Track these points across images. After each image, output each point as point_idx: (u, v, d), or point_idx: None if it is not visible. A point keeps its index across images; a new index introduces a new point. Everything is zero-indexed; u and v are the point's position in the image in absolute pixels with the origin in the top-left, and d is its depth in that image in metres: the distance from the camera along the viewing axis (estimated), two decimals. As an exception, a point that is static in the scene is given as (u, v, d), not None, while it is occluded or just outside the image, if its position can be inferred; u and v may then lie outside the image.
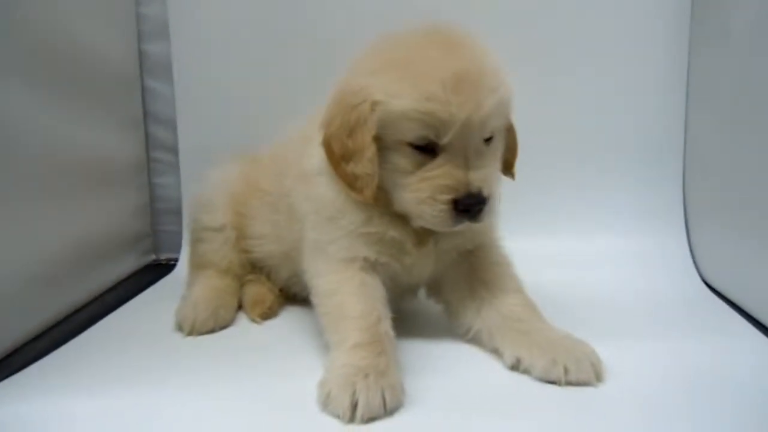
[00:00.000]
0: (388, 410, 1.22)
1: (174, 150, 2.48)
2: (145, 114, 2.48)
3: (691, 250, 2.25)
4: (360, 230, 1.49)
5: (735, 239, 1.94)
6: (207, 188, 1.96)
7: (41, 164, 1.77)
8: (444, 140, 1.36)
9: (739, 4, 1.92)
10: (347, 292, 1.45)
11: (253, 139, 2.08)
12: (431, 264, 1.55)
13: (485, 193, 1.38)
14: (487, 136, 1.41)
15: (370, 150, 1.40)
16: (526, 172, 2.10)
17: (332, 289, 1.47)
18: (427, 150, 1.38)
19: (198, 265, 1.92)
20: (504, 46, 2.13)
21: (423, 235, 1.51)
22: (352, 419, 1.20)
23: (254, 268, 1.93)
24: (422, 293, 1.69)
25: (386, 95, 1.37)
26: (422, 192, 1.38)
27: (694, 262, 2.21)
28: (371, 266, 1.50)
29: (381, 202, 1.46)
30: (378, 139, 1.41)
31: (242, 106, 2.36)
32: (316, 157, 1.53)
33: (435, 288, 1.63)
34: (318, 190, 1.53)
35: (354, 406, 1.20)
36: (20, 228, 1.66)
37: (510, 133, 1.55)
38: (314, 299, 1.52)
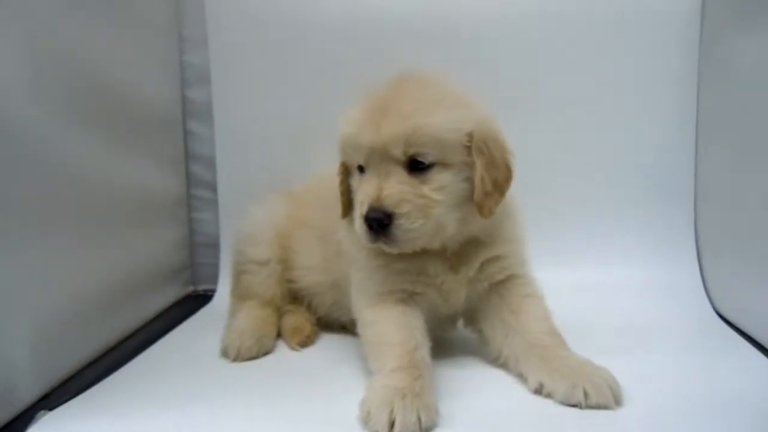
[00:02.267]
0: (423, 429, 1.30)
1: (212, 187, 2.59)
2: (187, 154, 2.60)
3: (703, 281, 2.29)
4: (373, 263, 1.61)
5: (747, 270, 1.98)
6: (252, 223, 2.06)
7: (91, 200, 1.86)
8: (362, 160, 1.52)
9: (746, 40, 1.98)
10: (387, 322, 1.56)
11: (287, 178, 2.22)
12: (464, 291, 1.64)
13: (388, 208, 1.45)
14: (401, 159, 1.48)
15: (339, 175, 1.65)
16: (542, 204, 2.23)
17: (373, 320, 1.59)
18: (363, 172, 1.54)
19: (241, 296, 2.01)
20: (520, 81, 2.32)
21: (453, 263, 1.61)
22: (389, 436, 1.28)
23: (294, 299, 2.02)
24: (460, 323, 1.78)
25: (341, 125, 1.57)
26: (355, 209, 1.55)
27: (707, 292, 2.25)
28: (409, 297, 1.61)
29: None
30: (346, 167, 1.64)
31: (277, 148, 2.47)
32: None
33: (471, 318, 1.73)
34: (350, 227, 1.65)
35: (392, 424, 1.29)
36: (72, 260, 1.75)
37: (472, 168, 1.51)
38: (359, 330, 1.63)
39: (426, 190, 1.48)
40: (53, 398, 1.59)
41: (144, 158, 2.24)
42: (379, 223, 1.45)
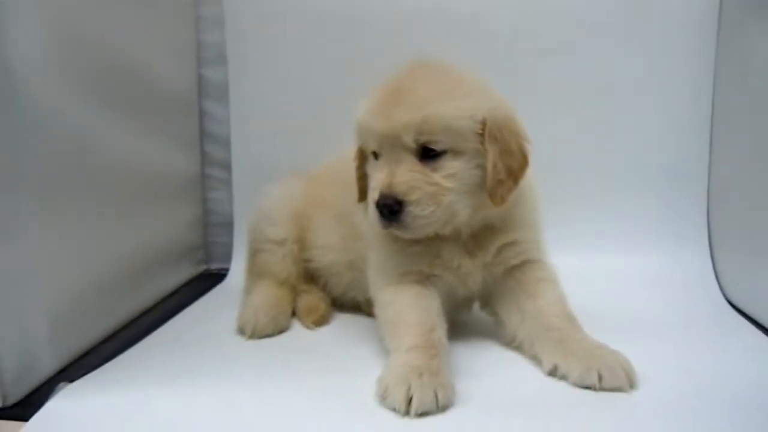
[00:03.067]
0: (440, 407, 1.32)
1: (227, 167, 2.60)
2: (202, 133, 2.61)
3: (714, 270, 2.30)
4: (407, 249, 1.62)
5: (758, 259, 1.99)
6: (269, 202, 2.07)
7: (108, 178, 1.89)
8: (375, 147, 1.54)
9: (763, 34, 1.98)
10: (404, 302, 1.57)
11: (302, 159, 2.22)
12: (481, 275, 1.65)
13: (399, 195, 1.46)
14: (412, 146, 1.49)
15: (356, 160, 1.67)
16: (557, 194, 2.21)
17: (391, 300, 1.60)
18: (377, 158, 1.56)
19: (257, 274, 2.02)
20: (537, 73, 2.32)
21: (470, 248, 1.63)
22: (407, 413, 1.30)
23: (309, 278, 2.04)
24: (476, 306, 1.80)
25: (357, 111, 1.58)
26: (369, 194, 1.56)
27: (718, 281, 2.26)
28: (426, 279, 1.63)
29: None
30: (362, 151, 1.65)
31: (293, 128, 2.48)
32: None
33: (487, 300, 1.74)
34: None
35: (409, 401, 1.30)
36: (86, 238, 1.78)
37: (485, 156, 1.51)
38: (375, 310, 1.65)
39: (437, 177, 1.49)
40: (72, 371, 1.62)
41: (159, 137, 2.25)
42: (390, 209, 1.47)
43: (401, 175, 1.48)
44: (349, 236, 1.85)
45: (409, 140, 1.48)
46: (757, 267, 1.99)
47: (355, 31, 2.42)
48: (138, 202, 2.09)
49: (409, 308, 1.55)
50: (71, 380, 1.51)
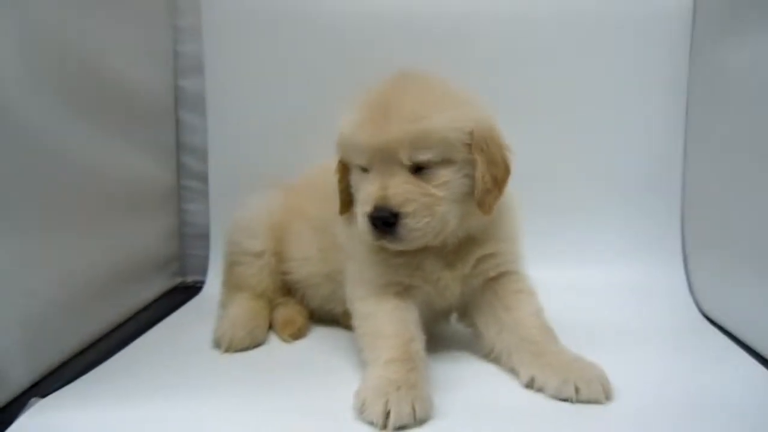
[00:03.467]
0: (417, 420, 1.31)
1: (204, 178, 2.58)
2: (178, 144, 2.60)
3: (688, 281, 2.33)
4: (390, 261, 1.62)
5: (730, 271, 2.01)
6: (248, 214, 2.06)
7: (81, 189, 1.86)
8: (364, 162, 1.53)
9: (736, 43, 2.01)
10: (382, 314, 1.57)
11: (280, 170, 2.22)
12: (459, 287, 1.65)
13: (394, 207, 1.46)
14: (405, 161, 1.49)
15: (338, 173, 1.66)
16: (530, 205, 2.22)
17: (369, 312, 1.60)
18: (365, 171, 1.55)
19: (234, 287, 2.01)
20: (511, 82, 2.34)
21: (449, 259, 1.62)
22: (384, 426, 1.29)
23: (286, 291, 2.03)
24: (454, 318, 1.80)
25: (341, 125, 1.58)
26: (357, 206, 1.55)
27: (691, 292, 2.29)
28: (405, 290, 1.62)
29: None
30: (345, 164, 1.64)
31: (270, 139, 2.47)
32: None
33: (464, 312, 1.74)
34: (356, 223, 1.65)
35: (386, 415, 1.30)
36: (62, 249, 1.76)
37: (474, 166, 1.53)
38: (354, 322, 1.64)
39: (429, 187, 1.50)
40: (44, 386, 1.59)
41: (135, 148, 2.24)
42: (385, 222, 1.47)
43: (395, 186, 1.48)
44: (327, 248, 1.84)
45: (404, 155, 1.49)
46: (731, 279, 2.02)
47: (334, 42, 2.43)
48: (113, 213, 2.06)
49: (387, 320, 1.55)
50: (43, 395, 1.48)
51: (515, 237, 1.72)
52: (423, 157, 1.49)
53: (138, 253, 2.27)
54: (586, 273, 2.39)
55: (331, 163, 1.70)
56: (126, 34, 2.14)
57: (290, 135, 2.44)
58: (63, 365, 1.74)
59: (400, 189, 1.48)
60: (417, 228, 1.48)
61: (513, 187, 1.67)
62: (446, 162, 1.52)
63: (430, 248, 1.59)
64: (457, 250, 1.63)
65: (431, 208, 1.50)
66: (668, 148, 2.43)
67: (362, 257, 1.66)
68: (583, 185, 2.47)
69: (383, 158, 1.50)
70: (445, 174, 1.52)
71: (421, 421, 1.33)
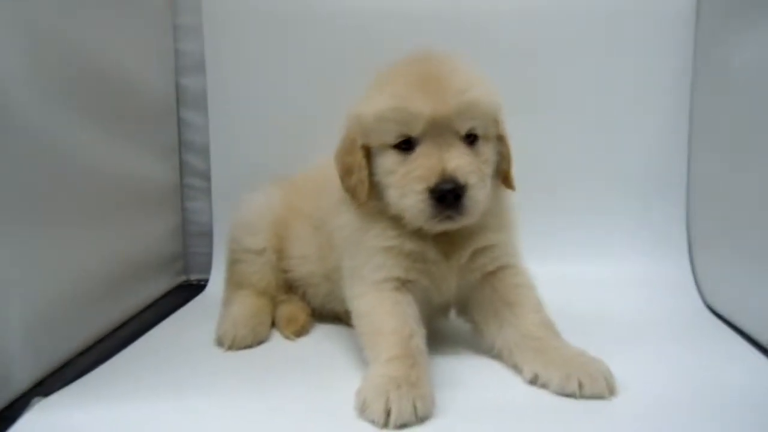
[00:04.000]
0: (419, 418, 1.31)
1: (206, 176, 2.59)
2: (180, 142, 2.60)
3: (694, 275, 2.33)
4: (379, 244, 1.60)
5: (736, 265, 2.01)
6: (249, 211, 2.05)
7: (84, 188, 1.86)
8: (417, 132, 1.49)
9: (740, 38, 2.00)
10: (381, 311, 1.55)
11: (282, 168, 2.21)
12: (455, 279, 1.64)
13: (460, 179, 1.45)
14: (461, 132, 1.50)
15: (359, 158, 1.57)
16: (536, 200, 2.25)
17: (368, 310, 1.58)
18: (407, 149, 1.52)
19: (236, 285, 2.00)
20: (515, 78, 2.33)
21: (446, 249, 1.61)
22: (386, 425, 1.29)
23: (289, 288, 2.02)
24: (453, 313, 1.79)
25: (365, 105, 1.55)
26: (404, 186, 1.50)
27: (697, 286, 2.28)
28: (403, 285, 1.61)
29: (387, 215, 1.59)
30: (367, 148, 1.57)
31: (272, 137, 2.48)
32: (337, 187, 1.67)
33: (463, 308, 1.73)
34: (343, 218, 1.67)
35: (387, 413, 1.30)
36: (65, 248, 1.76)
37: (501, 143, 1.62)
38: (354, 320, 1.63)
39: (479, 160, 1.53)
40: (47, 385, 1.59)
41: (137, 146, 2.24)
42: (454, 194, 1.45)
43: (458, 158, 1.48)
44: (324, 246, 1.83)
45: (461, 124, 1.50)
46: (737, 272, 2.01)
47: (335, 40, 2.43)
48: (116, 212, 2.06)
49: (386, 317, 1.54)
50: (46, 394, 1.49)
51: (512, 227, 1.71)
52: (474, 127, 1.52)
53: (141, 251, 2.27)
54: (592, 267, 2.39)
55: (329, 161, 1.68)
56: (127, 33, 2.14)
57: (292, 132, 2.45)
58: (66, 364, 1.74)
59: (462, 160, 1.48)
60: (480, 200, 1.50)
61: (517, 183, 1.68)
62: (485, 138, 1.56)
63: (435, 236, 1.59)
64: (453, 239, 1.61)
65: (485, 181, 1.53)
66: (673, 143, 2.42)
67: (355, 254, 1.64)
68: (589, 181, 2.47)
69: (440, 128, 1.49)
70: (487, 150, 1.57)
71: (422, 419, 1.33)
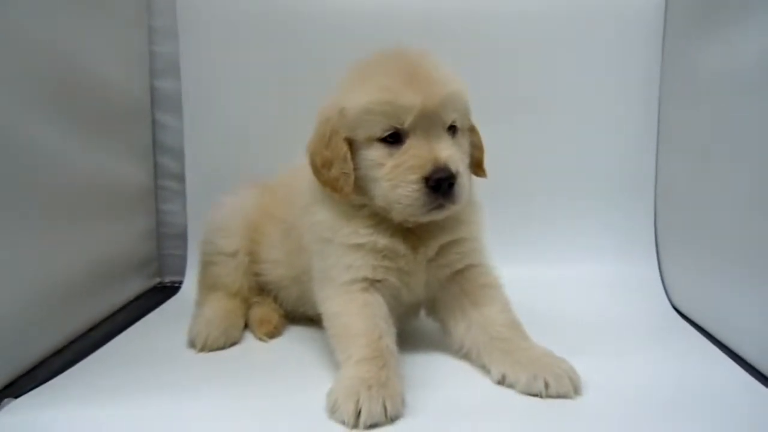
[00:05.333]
0: (389, 418, 1.33)
1: (180, 178, 2.59)
2: (155, 144, 2.60)
3: (661, 277, 2.37)
4: (351, 242, 1.61)
5: (702, 267, 2.05)
6: (222, 214, 2.05)
7: (57, 189, 1.86)
8: (406, 125, 1.51)
9: (705, 52, 2.04)
10: (351, 312, 1.57)
11: (256, 170, 2.20)
12: (424, 275, 1.66)
13: (452, 167, 1.49)
14: (447, 123, 1.54)
15: (343, 151, 1.57)
16: (506, 202, 2.28)
17: (338, 312, 1.60)
18: (395, 142, 1.54)
19: (209, 286, 2.01)
20: (488, 86, 2.34)
21: (414, 243, 1.63)
22: (356, 425, 1.31)
23: (261, 291, 2.02)
24: (423, 313, 1.80)
25: (350, 99, 1.55)
26: (395, 177, 1.52)
27: (664, 287, 2.33)
28: (372, 286, 1.62)
29: (363, 211, 1.61)
30: (351, 142, 1.58)
31: (246, 139, 2.49)
32: (309, 188, 1.69)
33: (432, 307, 1.75)
34: (314, 218, 1.67)
35: (358, 414, 1.31)
36: (35, 250, 1.74)
37: (474, 133, 1.69)
38: (324, 322, 1.64)
39: (461, 152, 1.58)
40: (19, 386, 1.59)
41: (111, 148, 2.23)
42: (448, 183, 1.48)
43: (447, 149, 1.52)
44: (293, 251, 1.83)
45: (447, 115, 1.54)
46: (702, 274, 2.05)
47: (309, 42, 2.44)
48: (89, 213, 2.06)
49: (356, 319, 1.55)
50: (17, 396, 1.49)
51: (478, 222, 1.73)
52: (455, 119, 1.57)
53: (115, 253, 2.26)
54: (560, 269, 2.43)
55: (303, 163, 1.68)
56: (101, 35, 2.14)
57: (266, 135, 2.45)
58: (38, 366, 1.73)
59: (451, 151, 1.52)
60: (467, 188, 1.55)
61: (484, 188, 1.72)
62: (461, 129, 1.61)
63: (407, 229, 1.62)
64: (422, 234, 1.64)
65: (466, 170, 1.59)
66: (641, 146, 2.46)
67: (325, 254, 1.65)
68: (558, 183, 2.50)
69: (429, 120, 1.52)
70: (464, 142, 1.63)
71: (392, 419, 1.35)
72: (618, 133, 2.47)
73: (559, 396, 1.45)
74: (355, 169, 1.58)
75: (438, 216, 1.55)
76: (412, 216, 1.54)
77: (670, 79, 2.36)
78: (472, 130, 1.68)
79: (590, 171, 2.49)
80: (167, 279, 2.66)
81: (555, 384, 1.45)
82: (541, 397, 1.45)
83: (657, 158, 2.45)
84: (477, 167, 1.71)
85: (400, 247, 1.62)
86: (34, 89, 1.75)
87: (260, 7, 2.46)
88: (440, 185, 1.48)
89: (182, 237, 2.61)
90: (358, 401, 1.33)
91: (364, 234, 1.61)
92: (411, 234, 1.63)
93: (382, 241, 1.60)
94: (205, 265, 2.05)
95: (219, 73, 2.49)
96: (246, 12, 2.46)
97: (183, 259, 2.58)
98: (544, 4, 2.44)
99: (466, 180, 1.55)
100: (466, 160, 1.63)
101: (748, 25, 1.80)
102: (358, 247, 1.61)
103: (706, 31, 2.05)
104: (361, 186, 1.59)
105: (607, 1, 2.43)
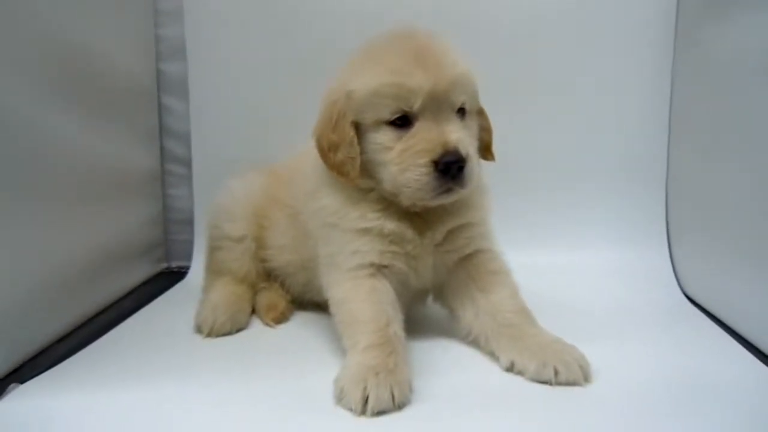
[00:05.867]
0: (396, 405, 1.33)
1: (187, 163, 2.59)
2: (161, 129, 2.59)
3: (672, 264, 2.36)
4: (358, 226, 1.59)
5: (713, 254, 2.04)
6: (229, 198, 2.04)
7: (64, 174, 1.86)
8: (415, 108, 1.49)
9: (718, 38, 2.03)
10: (358, 299, 1.56)
11: (263, 155, 2.20)
12: (432, 260, 1.64)
13: (462, 151, 1.48)
14: (456, 106, 1.53)
15: (350, 135, 1.55)
16: (518, 189, 2.25)
17: (345, 298, 1.58)
18: (403, 125, 1.52)
19: (216, 272, 2.00)
20: (500, 74, 2.33)
21: (421, 228, 1.62)
22: (363, 412, 1.31)
23: (268, 276, 2.02)
24: (431, 299, 1.80)
25: (358, 82, 1.53)
26: (404, 161, 1.50)
27: (675, 275, 2.31)
28: (379, 272, 1.61)
29: (370, 195, 1.60)
30: (357, 125, 1.56)
31: (253, 123, 2.47)
32: (315, 173, 1.67)
33: (440, 293, 1.74)
34: (320, 203, 1.65)
35: (365, 401, 1.31)
36: (43, 235, 1.74)
37: (482, 116, 1.67)
38: (331, 309, 1.63)
39: (470, 135, 1.57)
40: (24, 371, 1.59)
41: (118, 133, 2.22)
42: (458, 166, 1.46)
43: (457, 131, 1.50)
44: (299, 236, 1.82)
45: (456, 98, 1.52)
46: (714, 262, 2.04)
47: (316, 25, 2.42)
48: (95, 198, 2.05)
49: (363, 305, 1.54)
50: (22, 381, 1.49)
51: (485, 206, 1.71)
52: (464, 101, 1.55)
53: (122, 238, 2.26)
54: (572, 256, 2.42)
55: (307, 150, 1.67)
56: (107, 19, 2.12)
57: (273, 119, 2.44)
58: (43, 351, 1.73)
59: (461, 134, 1.51)
60: (476, 172, 1.53)
61: (495, 174, 1.71)
62: (470, 112, 1.60)
63: (414, 214, 1.61)
64: (430, 219, 1.63)
65: (475, 153, 1.57)
66: (653, 134, 2.45)
67: (331, 240, 1.64)
68: (568, 169, 2.49)
69: (438, 103, 1.50)
70: (474, 125, 1.62)
71: (400, 406, 1.34)
72: (629, 119, 2.46)
73: (568, 383, 1.44)
74: (362, 153, 1.57)
75: (447, 200, 1.54)
76: (421, 200, 1.53)
77: (682, 65, 2.34)
78: (480, 112, 1.66)
79: (601, 157, 2.48)
80: (174, 264, 2.66)
81: (565, 371, 1.44)
82: (550, 384, 1.44)
83: (669, 145, 2.43)
84: (485, 150, 1.69)
85: (408, 231, 1.60)
86: (39, 74, 1.73)
87: (267, -10, 2.44)
88: (449, 169, 1.46)
89: (189, 222, 2.60)
90: (365, 388, 1.32)
91: (371, 218, 1.59)
92: (418, 218, 1.61)
93: (390, 225, 1.59)
94: (212, 250, 2.04)
95: (225, 56, 2.47)
96: (252, -5, 2.44)
97: (190, 244, 2.58)
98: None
99: (475, 163, 1.53)
100: (475, 144, 1.61)
101: (760, 11, 1.78)
102: (365, 231, 1.60)
103: (718, 17, 2.03)
104: (368, 170, 1.58)
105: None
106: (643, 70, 2.42)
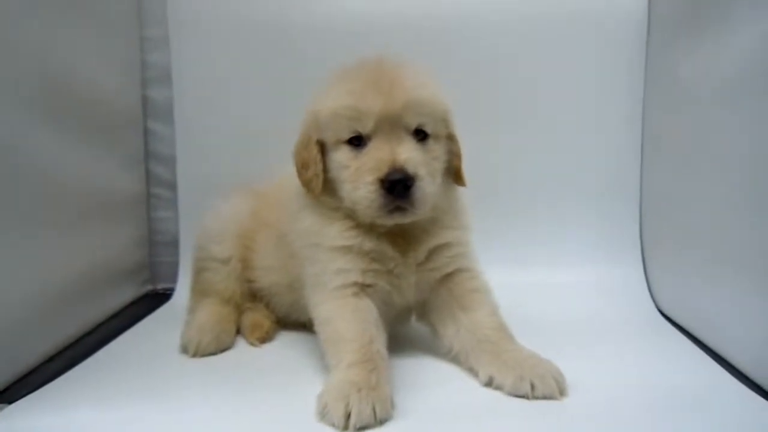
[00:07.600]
0: (378, 420, 1.35)
1: (172, 186, 2.61)
2: (147, 153, 2.61)
3: (647, 281, 2.40)
4: (337, 244, 1.64)
5: (687, 271, 2.07)
6: (216, 220, 2.07)
7: (51, 197, 1.88)
8: (368, 128, 1.56)
9: (687, 59, 2.07)
10: (342, 317, 1.59)
11: (247, 178, 2.20)
12: (414, 279, 1.68)
13: (410, 170, 1.51)
14: (411, 128, 1.57)
15: (314, 153, 1.63)
16: (494, 205, 2.30)
17: (330, 317, 1.62)
18: (359, 145, 1.58)
19: (201, 292, 2.02)
20: (474, 92, 2.39)
21: (403, 247, 1.66)
22: (346, 427, 1.33)
23: (254, 297, 2.04)
24: (414, 319, 1.83)
25: (322, 103, 1.61)
26: (356, 179, 1.56)
27: (650, 291, 2.36)
28: (363, 291, 1.65)
29: (343, 213, 1.64)
30: (322, 144, 1.64)
31: (238, 147, 2.50)
32: (298, 194, 1.72)
33: (422, 312, 1.78)
34: (303, 223, 1.70)
35: (347, 416, 1.34)
36: (27, 257, 1.75)
37: (452, 141, 1.69)
38: (316, 327, 1.66)
39: (429, 157, 1.59)
40: (12, 392, 1.60)
41: (104, 157, 2.25)
42: (404, 184, 1.50)
43: (407, 152, 1.54)
44: (286, 257, 1.84)
45: (411, 120, 1.56)
46: (687, 278, 2.08)
47: (300, 52, 2.46)
48: (82, 221, 2.07)
49: (346, 324, 1.58)
50: (10, 402, 1.50)
51: (467, 226, 1.77)
52: (423, 124, 1.59)
53: (107, 260, 2.27)
54: (547, 273, 2.46)
55: (293, 172, 1.71)
56: (93, 44, 2.16)
57: (258, 142, 2.46)
58: (31, 372, 1.74)
59: (411, 153, 1.54)
60: (429, 192, 1.56)
61: (470, 191, 1.75)
62: (435, 137, 1.63)
63: (391, 233, 1.64)
64: (410, 238, 1.67)
65: (434, 176, 1.59)
66: (626, 151, 2.50)
67: (315, 260, 1.67)
68: (544, 188, 2.54)
69: (390, 124, 1.55)
70: (437, 148, 1.64)
71: (382, 422, 1.37)
72: (603, 138, 2.51)
73: (545, 397, 1.47)
74: (327, 171, 1.64)
75: (401, 220, 1.58)
76: (373, 218, 1.58)
77: (654, 86, 2.40)
78: (451, 138, 1.69)
79: (576, 176, 2.52)
80: (159, 286, 2.67)
81: (541, 386, 1.48)
82: (527, 398, 1.47)
83: (642, 163, 2.49)
84: (456, 176, 1.72)
85: (388, 249, 1.65)
86: (26, 98, 1.76)
87: (251, 17, 2.49)
88: (394, 187, 1.51)
89: (174, 244, 2.62)
90: (348, 404, 1.35)
91: (348, 237, 1.64)
92: (399, 238, 1.66)
93: (369, 243, 1.64)
94: (198, 271, 2.06)
95: (210, 81, 2.51)
96: (237, 21, 2.49)
97: (175, 266, 2.59)
98: (528, 13, 2.48)
99: (428, 185, 1.56)
100: (438, 166, 1.63)
101: (728, 33, 1.83)
102: (346, 249, 1.64)
103: (688, 39, 2.08)
104: (333, 188, 1.64)
105: (590, 9, 2.47)
106: (616, 92, 2.48)
